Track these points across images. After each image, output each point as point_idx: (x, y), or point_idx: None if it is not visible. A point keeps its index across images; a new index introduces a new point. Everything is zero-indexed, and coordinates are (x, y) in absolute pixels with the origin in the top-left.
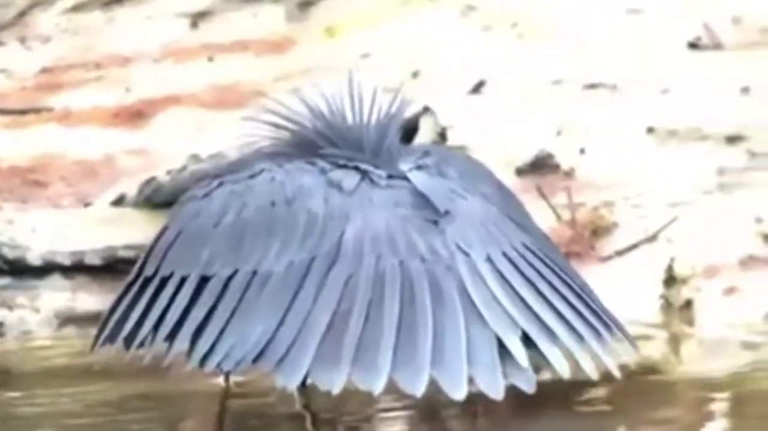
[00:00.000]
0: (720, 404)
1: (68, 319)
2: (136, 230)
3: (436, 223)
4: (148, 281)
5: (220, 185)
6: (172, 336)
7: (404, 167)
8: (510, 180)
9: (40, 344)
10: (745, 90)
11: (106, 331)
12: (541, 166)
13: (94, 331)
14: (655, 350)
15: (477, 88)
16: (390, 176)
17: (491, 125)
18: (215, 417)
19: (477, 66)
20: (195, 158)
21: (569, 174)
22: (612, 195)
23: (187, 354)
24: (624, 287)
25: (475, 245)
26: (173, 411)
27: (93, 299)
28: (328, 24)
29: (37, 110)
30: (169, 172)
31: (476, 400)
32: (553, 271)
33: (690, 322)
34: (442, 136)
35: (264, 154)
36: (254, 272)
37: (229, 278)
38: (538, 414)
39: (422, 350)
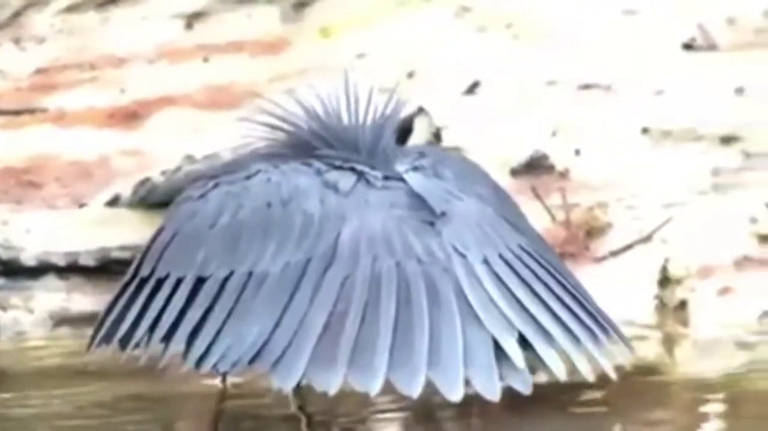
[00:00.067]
0: (715, 404)
1: (62, 320)
2: (130, 230)
3: (432, 224)
4: (144, 282)
5: (216, 185)
6: (168, 337)
7: (400, 168)
8: (505, 181)
9: (34, 344)
10: (740, 91)
11: (102, 332)
12: (535, 166)
13: (88, 332)
14: (649, 350)
15: (472, 88)
16: (386, 177)
17: (486, 125)
18: (210, 418)
19: (472, 67)
20: (190, 158)
21: (564, 175)
22: (606, 196)
23: (183, 355)
24: (618, 287)
25: (472, 246)
26: (168, 412)
27: (87, 299)
28: (322, 25)
29: (31, 111)
30: (163, 173)
31: (472, 401)
32: (549, 273)
33: (684, 323)
34: (437, 136)
35: (259, 155)
36: (250, 274)
37: (225, 279)
38: (533, 415)
39: (419, 351)
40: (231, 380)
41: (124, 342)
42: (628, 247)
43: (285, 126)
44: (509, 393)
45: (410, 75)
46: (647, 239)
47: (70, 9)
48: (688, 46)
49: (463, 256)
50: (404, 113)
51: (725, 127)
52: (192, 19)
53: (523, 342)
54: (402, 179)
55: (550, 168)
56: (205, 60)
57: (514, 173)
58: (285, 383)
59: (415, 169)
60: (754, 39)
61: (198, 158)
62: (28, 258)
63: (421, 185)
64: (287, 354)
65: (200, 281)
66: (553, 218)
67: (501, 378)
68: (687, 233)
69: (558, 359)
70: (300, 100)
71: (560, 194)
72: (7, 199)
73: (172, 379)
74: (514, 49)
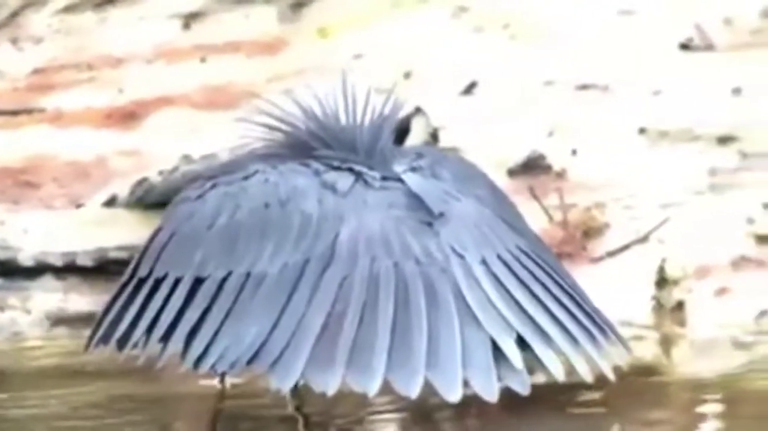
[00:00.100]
0: (712, 405)
1: (60, 320)
2: (127, 231)
3: (430, 225)
4: (142, 282)
5: (214, 186)
6: (166, 338)
7: (398, 168)
8: (502, 181)
9: (31, 345)
10: (737, 91)
11: (100, 332)
12: (532, 167)
13: (85, 332)
14: (646, 351)
15: (469, 89)
16: (384, 178)
17: (483, 125)
18: (209, 418)
19: (469, 67)
20: (187, 158)
21: (561, 175)
22: (604, 196)
23: (181, 355)
24: (615, 288)
25: (470, 247)
26: (165, 412)
27: (85, 300)
28: (320, 25)
29: (29, 111)
30: (160, 173)
31: (470, 402)
32: (547, 273)
33: (681, 323)
34: (434, 137)
35: (257, 155)
36: (248, 274)
37: (223, 280)
38: (531, 415)
39: (417, 352)
40: (230, 380)
41: (122, 343)
42: (625, 247)
43: (283, 126)
44: (507, 394)
45: (407, 75)
46: (644, 239)
47: (68, 9)
48: (685, 47)
49: (461, 257)
50: (402, 113)
51: (722, 127)
52: (189, 19)
53: (522, 342)
54: (400, 180)
55: (547, 168)
56: (203, 60)
57: (511, 173)
58: (283, 383)
59: (413, 169)
60: (750, 39)
61: (195, 158)
62: (26, 258)
63: (419, 185)
64: (285, 355)
65: (198, 282)
66: (550, 218)
67: (499, 378)
68: (684, 234)
69: (556, 360)
70: (298, 100)
71: (557, 195)
72: (4, 199)
73: (170, 380)
74: (511, 50)
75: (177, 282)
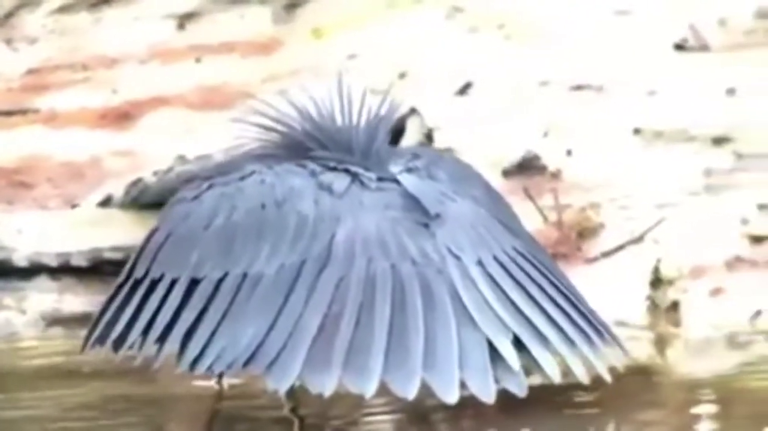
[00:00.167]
0: (707, 405)
1: (55, 320)
2: (122, 231)
3: (426, 226)
4: (138, 283)
5: (210, 187)
6: (162, 339)
7: (394, 169)
8: (497, 181)
9: (26, 345)
10: (731, 91)
11: (96, 333)
12: (527, 167)
13: (81, 333)
14: (641, 351)
15: (464, 89)
16: (380, 179)
17: (478, 126)
18: (205, 419)
19: (464, 67)
20: (181, 159)
21: (556, 175)
22: (598, 196)
23: (178, 356)
24: (610, 288)
25: (466, 248)
26: (160, 414)
27: (79, 300)
28: (314, 25)
29: (23, 112)
30: (155, 173)
31: (467, 403)
32: (543, 274)
33: (676, 323)
34: (429, 137)
35: (253, 156)
36: (245, 275)
37: (220, 281)
38: (528, 416)
39: (414, 353)
40: (227, 381)
41: (118, 344)
42: (620, 248)
43: (278, 127)
44: (504, 395)
45: (402, 76)
46: (639, 239)
47: (63, 9)
48: (679, 47)
49: (457, 258)
50: (398, 114)
51: (717, 128)
52: (184, 19)
53: (518, 343)
54: (396, 181)
55: (542, 169)
56: (198, 60)
57: (506, 173)
58: (280, 385)
59: (409, 170)
60: (745, 40)
61: (190, 158)
62: (20, 259)
63: (416, 186)
64: (282, 356)
65: (194, 283)
66: (545, 218)
67: (496, 380)
68: (679, 234)
69: (552, 361)
70: (293, 101)
71: (552, 195)
72: None
73: (165, 381)
74: (506, 50)
75: (173, 283)
